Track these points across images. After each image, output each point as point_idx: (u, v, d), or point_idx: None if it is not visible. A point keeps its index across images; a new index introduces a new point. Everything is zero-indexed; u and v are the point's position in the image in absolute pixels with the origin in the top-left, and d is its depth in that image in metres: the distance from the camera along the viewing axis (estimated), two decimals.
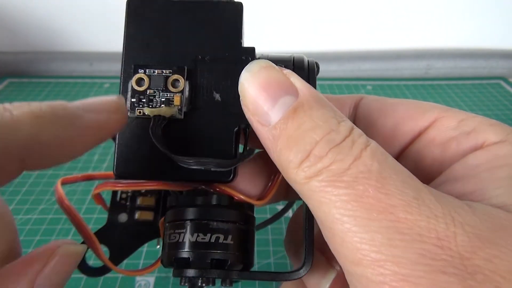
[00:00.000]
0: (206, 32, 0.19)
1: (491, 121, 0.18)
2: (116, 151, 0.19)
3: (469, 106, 0.61)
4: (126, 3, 0.20)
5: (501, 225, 0.14)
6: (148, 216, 0.22)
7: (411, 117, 0.20)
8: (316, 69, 0.20)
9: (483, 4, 0.68)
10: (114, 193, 0.23)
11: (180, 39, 0.19)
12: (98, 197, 0.23)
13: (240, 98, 0.17)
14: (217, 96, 0.19)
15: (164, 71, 0.19)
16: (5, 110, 0.14)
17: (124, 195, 0.23)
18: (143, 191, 0.23)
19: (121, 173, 0.19)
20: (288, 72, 0.17)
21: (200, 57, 0.19)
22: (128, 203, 0.23)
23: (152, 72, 0.19)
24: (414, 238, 0.13)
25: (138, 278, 0.34)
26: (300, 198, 0.24)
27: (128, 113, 0.19)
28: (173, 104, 0.19)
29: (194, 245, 0.19)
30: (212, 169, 0.18)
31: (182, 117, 0.19)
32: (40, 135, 0.14)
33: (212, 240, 0.19)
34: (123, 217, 0.23)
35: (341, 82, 0.67)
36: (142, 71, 0.19)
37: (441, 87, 0.67)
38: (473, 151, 0.17)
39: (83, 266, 0.22)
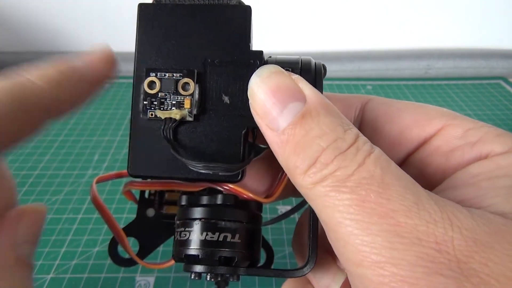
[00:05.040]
0: (215, 35, 0.20)
1: (498, 131, 0.19)
2: (130, 152, 0.20)
3: (469, 106, 0.61)
4: (138, 6, 0.20)
5: (498, 229, 0.14)
6: (175, 210, 0.24)
7: (418, 124, 0.20)
8: (323, 72, 0.20)
9: (483, 4, 0.68)
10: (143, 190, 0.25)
11: (190, 42, 0.20)
12: (128, 194, 0.24)
13: (249, 102, 0.18)
14: (226, 99, 0.20)
15: (174, 74, 0.20)
16: (27, 81, 0.17)
17: (152, 191, 0.25)
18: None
19: (134, 173, 0.20)
20: (296, 77, 0.17)
21: (209, 60, 0.20)
22: (156, 199, 0.25)
23: (163, 75, 0.20)
24: (413, 241, 0.14)
25: (138, 278, 0.34)
26: None
27: (141, 115, 0.20)
28: (183, 107, 0.19)
29: (203, 243, 0.20)
30: (220, 173, 0.19)
31: (193, 119, 0.19)
32: (59, 96, 0.17)
33: (220, 238, 0.20)
34: (150, 212, 0.24)
35: (341, 82, 0.67)
36: (154, 74, 0.20)
37: (441, 87, 0.67)
38: (477, 161, 0.18)
39: (114, 256, 0.24)
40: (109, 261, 0.24)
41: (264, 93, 0.17)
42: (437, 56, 0.70)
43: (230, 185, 0.20)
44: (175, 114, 0.19)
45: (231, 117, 0.19)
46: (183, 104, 0.19)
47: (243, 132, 0.19)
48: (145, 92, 0.20)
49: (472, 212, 0.15)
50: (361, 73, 0.70)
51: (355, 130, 0.16)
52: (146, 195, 0.25)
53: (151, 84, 0.20)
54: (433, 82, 0.68)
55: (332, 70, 0.69)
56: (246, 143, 0.20)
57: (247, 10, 0.20)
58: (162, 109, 0.19)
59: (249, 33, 0.20)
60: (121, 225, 0.24)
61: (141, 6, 0.20)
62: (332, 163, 0.15)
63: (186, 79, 0.19)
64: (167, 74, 0.20)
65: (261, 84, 0.17)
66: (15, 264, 0.17)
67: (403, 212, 0.14)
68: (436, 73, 0.70)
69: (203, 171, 0.19)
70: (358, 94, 0.23)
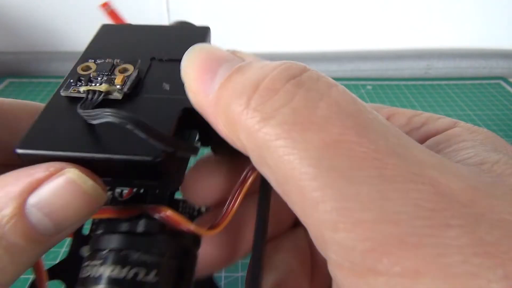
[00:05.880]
0: (170, 43, 0.19)
1: (439, 115, 0.17)
2: (29, 129, 0.15)
3: (469, 106, 0.61)
4: (100, 26, 0.20)
5: (491, 178, 0.12)
6: None
7: None
8: None
9: (483, 4, 0.68)
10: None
11: (141, 46, 0.19)
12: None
13: (183, 80, 0.15)
14: (167, 86, 0.17)
15: (115, 60, 0.18)
16: None
17: (94, 227, 0.20)
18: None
19: (23, 148, 0.15)
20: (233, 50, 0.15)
21: (157, 57, 0.18)
22: None
23: (102, 61, 0.18)
24: (408, 186, 0.10)
25: None
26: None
27: (61, 92, 0.16)
28: (114, 83, 0.16)
29: (108, 282, 0.15)
30: (109, 116, 0.14)
31: (121, 98, 0.16)
32: None
33: (129, 276, 0.15)
34: (86, 251, 0.19)
35: (341, 82, 0.67)
36: (92, 60, 0.18)
37: (441, 87, 0.67)
38: (429, 138, 0.16)
39: None
40: None
41: (195, 67, 0.14)
42: (437, 56, 0.70)
43: (169, 212, 0.16)
44: (100, 87, 0.16)
45: (169, 101, 0.16)
46: (114, 81, 0.16)
47: (178, 114, 0.16)
48: (76, 73, 0.17)
49: (456, 163, 0.12)
50: (361, 73, 0.69)
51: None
52: (86, 231, 0.20)
53: (86, 68, 0.17)
54: (433, 82, 0.68)
55: (332, 70, 0.68)
56: (181, 127, 0.16)
57: (206, 29, 0.21)
58: (88, 85, 0.16)
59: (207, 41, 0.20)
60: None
61: (103, 26, 0.20)
62: (285, 88, 0.12)
63: (126, 65, 0.17)
64: (107, 60, 0.17)
65: (191, 59, 0.14)
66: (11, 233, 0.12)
67: (387, 152, 0.11)
68: (436, 73, 0.70)
69: (110, 119, 0.14)
70: None
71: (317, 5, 0.68)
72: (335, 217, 0.10)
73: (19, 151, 0.14)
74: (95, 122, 0.15)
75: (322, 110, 0.11)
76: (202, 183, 0.18)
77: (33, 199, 0.13)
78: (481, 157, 0.13)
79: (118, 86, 0.16)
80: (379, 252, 0.10)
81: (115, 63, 0.17)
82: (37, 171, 0.13)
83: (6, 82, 0.66)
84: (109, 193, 0.20)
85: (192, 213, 0.20)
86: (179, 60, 0.16)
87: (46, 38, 0.70)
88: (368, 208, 0.10)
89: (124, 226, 0.16)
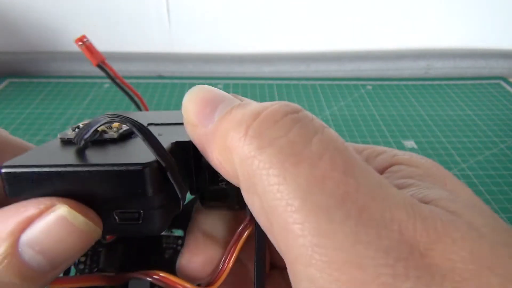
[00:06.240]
0: (171, 117, 0.20)
1: (379, 150, 0.17)
2: (18, 156, 0.15)
3: (469, 106, 0.61)
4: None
5: (447, 216, 0.12)
6: None
7: None
8: None
9: (482, 4, 0.68)
10: None
11: (142, 118, 0.20)
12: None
13: (183, 115, 0.15)
14: (160, 133, 0.18)
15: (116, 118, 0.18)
16: None
17: None
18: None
19: (8, 167, 0.14)
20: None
21: (154, 123, 0.19)
22: None
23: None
24: (380, 233, 0.11)
25: None
26: None
27: (59, 135, 0.17)
28: (110, 127, 0.17)
29: None
30: (106, 118, 0.15)
31: (116, 136, 0.17)
32: None
33: None
34: None
35: (341, 82, 0.67)
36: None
37: (441, 87, 0.67)
38: None
39: None
40: None
41: (196, 101, 0.15)
42: (437, 56, 0.70)
43: (163, 273, 0.16)
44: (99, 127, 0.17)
45: (161, 139, 0.16)
46: (112, 126, 0.17)
47: (170, 145, 0.16)
48: (77, 124, 0.18)
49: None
50: (361, 73, 0.69)
51: None
52: None
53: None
54: (433, 82, 0.68)
55: (332, 70, 0.68)
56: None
57: None
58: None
59: None
60: None
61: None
62: (282, 121, 0.12)
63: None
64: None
65: (193, 95, 0.15)
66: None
67: (367, 192, 0.11)
68: (436, 73, 0.70)
69: (108, 119, 0.14)
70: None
71: (317, 5, 0.68)
72: (309, 252, 0.11)
73: (3, 170, 0.14)
74: (92, 129, 0.15)
75: (316, 145, 0.12)
76: (204, 266, 0.17)
77: (25, 238, 0.13)
78: (424, 194, 0.13)
79: (114, 129, 0.17)
80: None
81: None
82: (27, 208, 0.13)
83: (6, 82, 0.66)
84: None
85: (176, 248, 0.20)
86: (175, 124, 0.16)
87: (46, 38, 0.70)
88: (341, 248, 0.11)
89: None
